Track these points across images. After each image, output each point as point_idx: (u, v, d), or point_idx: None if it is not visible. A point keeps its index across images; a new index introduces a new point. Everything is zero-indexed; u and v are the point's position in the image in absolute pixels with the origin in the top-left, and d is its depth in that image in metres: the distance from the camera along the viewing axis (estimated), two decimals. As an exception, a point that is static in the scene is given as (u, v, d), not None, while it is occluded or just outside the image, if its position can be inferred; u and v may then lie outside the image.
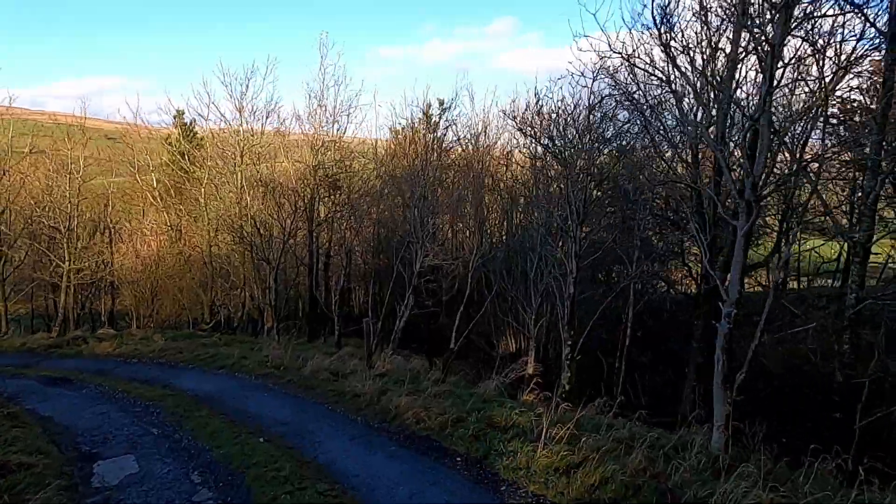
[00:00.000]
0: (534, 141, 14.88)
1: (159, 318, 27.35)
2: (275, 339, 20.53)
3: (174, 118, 34.25)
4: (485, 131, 24.95)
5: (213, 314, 26.73)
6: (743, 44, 11.04)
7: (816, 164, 11.58)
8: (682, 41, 9.92)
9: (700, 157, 12.83)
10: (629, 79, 12.21)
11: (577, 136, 12.52)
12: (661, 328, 16.40)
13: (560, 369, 13.33)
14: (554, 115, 13.42)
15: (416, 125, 27.25)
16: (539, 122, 14.31)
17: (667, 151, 13.23)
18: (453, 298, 18.88)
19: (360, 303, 37.48)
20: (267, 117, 26.36)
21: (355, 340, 22.07)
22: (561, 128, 12.87)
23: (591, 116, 12.27)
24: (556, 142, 13.26)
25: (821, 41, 9.39)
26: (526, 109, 14.41)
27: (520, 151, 22.24)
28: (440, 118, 27.05)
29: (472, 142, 24.09)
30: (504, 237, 17.91)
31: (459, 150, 23.64)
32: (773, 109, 9.08)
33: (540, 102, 13.86)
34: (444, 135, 24.77)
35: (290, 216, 21.15)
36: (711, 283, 11.28)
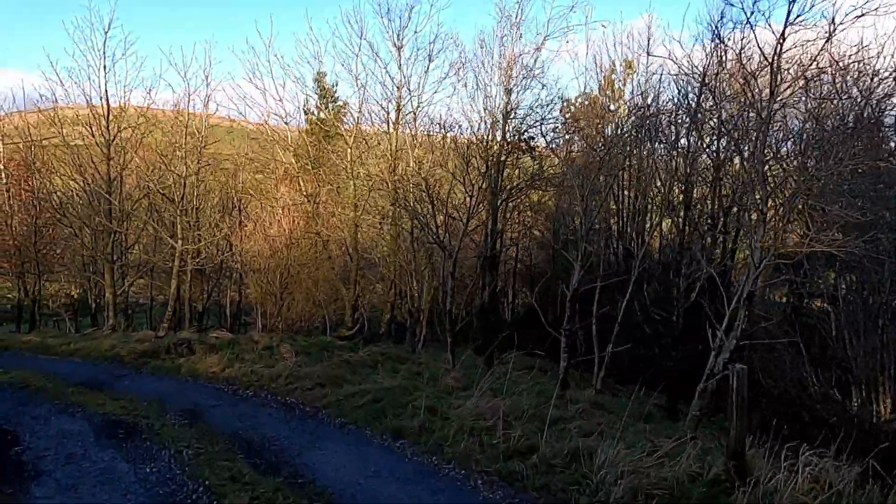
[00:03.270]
0: None
1: (289, 316, 21.33)
2: (450, 362, 13.65)
3: (314, 81, 28.71)
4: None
5: (354, 316, 20.40)
6: None
7: None
8: None
9: None
10: None
11: None
12: None
13: None
14: None
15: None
16: None
17: None
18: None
19: (511, 307, 30.12)
20: (431, 60, 19.57)
21: (498, 362, 14.59)
22: None
23: None
24: None
25: None
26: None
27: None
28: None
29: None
30: None
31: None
32: None
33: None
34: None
35: (479, 181, 14.04)
36: None
